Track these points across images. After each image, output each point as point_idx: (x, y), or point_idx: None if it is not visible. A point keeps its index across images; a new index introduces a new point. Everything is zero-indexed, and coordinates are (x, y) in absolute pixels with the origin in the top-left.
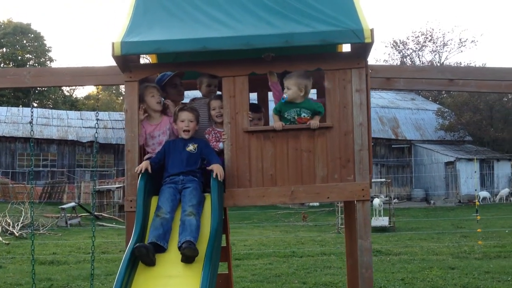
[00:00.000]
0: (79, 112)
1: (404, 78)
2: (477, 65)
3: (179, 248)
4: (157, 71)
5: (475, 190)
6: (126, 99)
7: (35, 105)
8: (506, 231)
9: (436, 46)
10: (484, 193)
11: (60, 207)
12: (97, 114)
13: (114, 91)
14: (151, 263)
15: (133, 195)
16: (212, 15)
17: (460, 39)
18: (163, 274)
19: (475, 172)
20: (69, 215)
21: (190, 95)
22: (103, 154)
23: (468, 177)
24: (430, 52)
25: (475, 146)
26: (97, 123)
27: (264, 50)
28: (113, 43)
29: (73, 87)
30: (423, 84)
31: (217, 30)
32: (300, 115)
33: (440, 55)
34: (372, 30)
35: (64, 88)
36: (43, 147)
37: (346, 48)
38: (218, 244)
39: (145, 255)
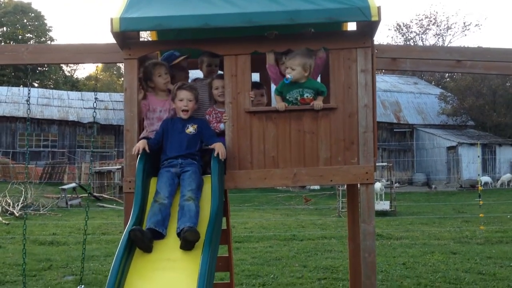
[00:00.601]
0: (80, 92)
1: (410, 58)
2: None
3: (179, 234)
4: (157, 49)
5: (478, 175)
6: (125, 77)
7: (36, 85)
8: (508, 216)
9: (440, 30)
10: (485, 178)
11: (60, 187)
12: (95, 94)
13: (115, 72)
14: (147, 249)
15: (132, 175)
16: None
17: (464, 23)
18: (162, 257)
19: (478, 157)
20: (70, 195)
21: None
22: (103, 135)
23: (470, 162)
24: (434, 35)
25: (477, 131)
26: (95, 102)
27: (268, 27)
28: (111, 19)
29: (74, 67)
30: (430, 65)
31: (220, 7)
32: (303, 95)
33: (444, 38)
34: (379, 8)
35: (64, 68)
36: (44, 127)
37: (351, 27)
38: (218, 227)
39: (140, 239)
